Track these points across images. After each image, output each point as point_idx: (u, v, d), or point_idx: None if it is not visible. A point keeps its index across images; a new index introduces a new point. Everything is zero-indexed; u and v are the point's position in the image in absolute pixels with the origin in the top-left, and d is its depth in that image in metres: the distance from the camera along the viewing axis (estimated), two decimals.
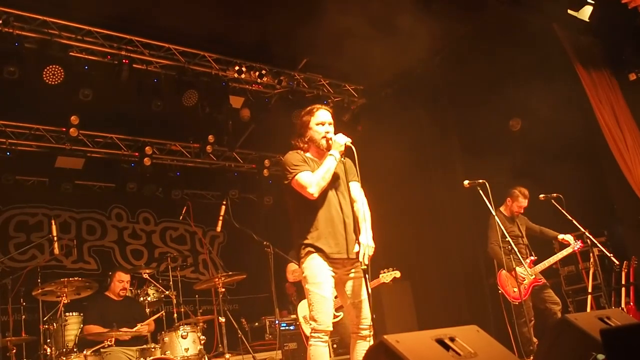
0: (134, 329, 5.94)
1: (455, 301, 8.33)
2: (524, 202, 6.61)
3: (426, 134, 8.81)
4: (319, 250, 3.84)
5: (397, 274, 6.32)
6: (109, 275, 6.58)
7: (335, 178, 4.02)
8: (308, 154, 4.10)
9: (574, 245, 6.33)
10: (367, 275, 3.66)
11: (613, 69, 7.37)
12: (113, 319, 5.97)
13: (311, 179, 3.87)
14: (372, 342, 3.85)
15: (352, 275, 3.96)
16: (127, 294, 6.53)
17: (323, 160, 4.03)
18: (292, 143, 4.18)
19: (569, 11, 6.89)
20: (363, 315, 3.89)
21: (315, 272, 3.82)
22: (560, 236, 6.51)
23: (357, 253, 3.75)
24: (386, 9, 6.68)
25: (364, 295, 3.90)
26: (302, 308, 6.45)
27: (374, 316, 3.78)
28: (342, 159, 3.99)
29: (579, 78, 7.16)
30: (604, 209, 7.45)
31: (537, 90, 6.99)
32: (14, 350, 5.82)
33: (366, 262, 3.70)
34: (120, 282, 6.43)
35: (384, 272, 6.30)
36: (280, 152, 4.17)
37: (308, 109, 4.17)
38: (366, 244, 3.77)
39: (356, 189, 4.05)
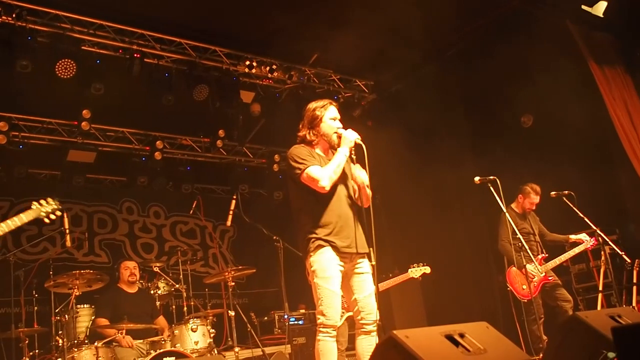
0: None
1: (464, 298, 8.31)
2: (536, 199, 6.58)
3: (437, 130, 8.78)
4: (329, 244, 3.83)
5: (427, 269, 6.18)
6: (116, 269, 6.67)
7: (343, 173, 4.03)
8: (316, 150, 4.09)
9: (588, 242, 6.29)
10: (374, 271, 3.69)
11: (627, 66, 7.31)
12: (124, 311, 6.01)
13: (323, 173, 3.85)
14: (376, 338, 3.86)
15: (358, 270, 3.95)
16: (136, 280, 6.56)
17: (329, 156, 4.05)
18: (299, 136, 4.15)
19: (583, 7, 6.84)
20: (368, 310, 3.89)
21: (325, 266, 3.80)
22: (573, 236, 6.47)
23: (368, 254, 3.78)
24: (397, 4, 6.66)
25: (370, 291, 3.91)
26: None
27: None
28: (352, 155, 3.97)
29: (592, 75, 7.10)
30: (615, 207, 7.39)
31: (550, 87, 6.94)
32: (27, 341, 5.88)
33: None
34: (126, 269, 6.51)
35: (414, 267, 6.19)
36: (290, 147, 4.14)
37: (320, 103, 4.13)
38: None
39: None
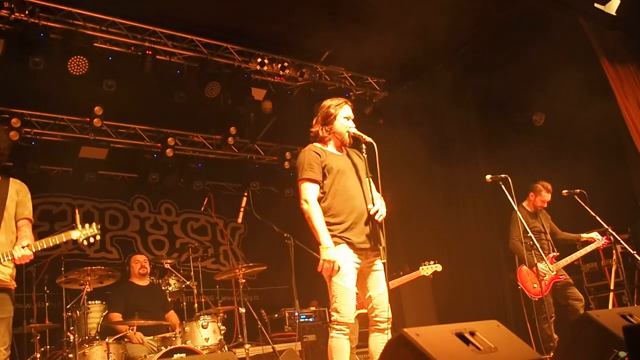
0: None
1: (475, 296, 8.29)
2: (547, 197, 6.55)
3: (448, 128, 8.76)
4: (344, 240, 3.85)
5: (439, 267, 6.16)
6: (126, 264, 6.73)
7: (357, 170, 4.05)
8: (328, 147, 4.12)
9: (600, 241, 6.26)
10: (385, 269, 3.69)
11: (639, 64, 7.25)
12: (137, 304, 6.05)
13: (309, 198, 3.91)
14: (389, 335, 3.86)
15: (373, 267, 3.97)
16: (147, 273, 6.64)
17: (343, 152, 4.12)
18: (312, 131, 4.18)
19: (596, 4, 6.78)
20: (382, 308, 3.90)
21: (340, 264, 3.81)
22: (585, 235, 6.43)
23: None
24: (409, 3, 6.64)
25: (383, 288, 3.91)
26: None
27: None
28: (364, 154, 3.99)
29: (605, 72, 7.04)
30: (627, 206, 7.33)
31: (562, 85, 6.90)
32: (38, 337, 5.94)
33: (381, 213, 3.86)
34: (137, 262, 6.64)
35: (425, 265, 6.18)
36: (302, 144, 4.17)
37: (336, 101, 4.16)
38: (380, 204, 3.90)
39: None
